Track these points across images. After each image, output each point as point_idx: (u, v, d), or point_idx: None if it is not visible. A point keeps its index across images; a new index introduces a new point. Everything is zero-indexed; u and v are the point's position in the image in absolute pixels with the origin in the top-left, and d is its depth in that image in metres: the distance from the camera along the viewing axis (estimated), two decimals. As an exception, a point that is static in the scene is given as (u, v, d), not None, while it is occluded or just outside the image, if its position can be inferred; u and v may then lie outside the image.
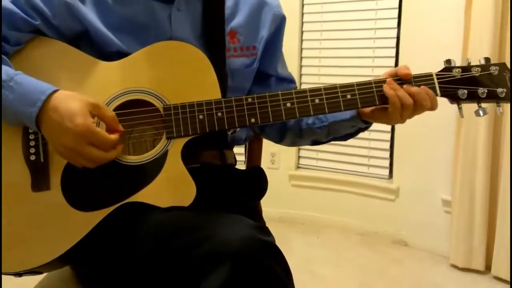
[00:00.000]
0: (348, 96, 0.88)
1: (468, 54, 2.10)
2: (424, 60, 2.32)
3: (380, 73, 3.01)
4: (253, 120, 0.87)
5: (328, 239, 2.63)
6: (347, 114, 0.97)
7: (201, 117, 0.85)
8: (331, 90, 0.88)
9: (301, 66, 2.82)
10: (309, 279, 2.14)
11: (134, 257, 0.78)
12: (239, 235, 0.68)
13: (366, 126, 0.99)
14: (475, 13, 2.07)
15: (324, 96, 0.88)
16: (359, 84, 0.89)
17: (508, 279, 2.05)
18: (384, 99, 0.89)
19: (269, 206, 1.27)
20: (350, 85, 0.88)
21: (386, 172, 2.64)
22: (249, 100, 0.87)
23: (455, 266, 2.24)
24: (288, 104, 0.87)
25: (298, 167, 2.91)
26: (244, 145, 1.19)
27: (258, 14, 1.03)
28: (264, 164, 1.16)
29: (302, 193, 2.86)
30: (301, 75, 2.82)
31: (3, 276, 0.83)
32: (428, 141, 2.36)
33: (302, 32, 2.78)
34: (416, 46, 2.38)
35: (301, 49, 2.80)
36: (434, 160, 2.39)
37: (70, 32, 0.91)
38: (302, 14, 2.77)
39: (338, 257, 2.40)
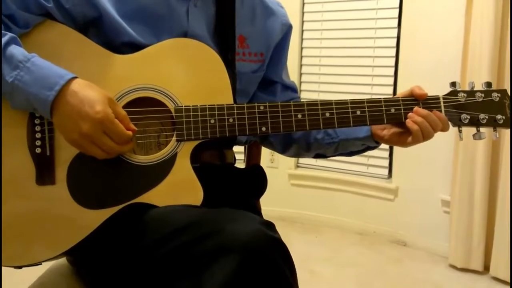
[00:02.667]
0: (358, 113, 0.89)
1: (468, 54, 2.10)
2: (424, 60, 2.34)
3: (380, 72, 2.98)
4: (263, 128, 0.86)
5: (327, 238, 2.63)
6: (361, 133, 0.98)
7: (212, 121, 0.85)
8: (342, 105, 0.89)
9: (301, 66, 2.81)
10: (308, 278, 2.13)
11: (137, 252, 0.77)
12: (247, 230, 0.68)
13: (375, 145, 1.01)
14: (475, 13, 2.07)
15: (334, 111, 0.88)
16: (369, 101, 0.90)
17: (507, 279, 2.05)
18: (392, 119, 0.91)
19: (268, 205, 1.27)
20: (361, 102, 0.90)
21: (385, 171, 2.64)
22: (261, 108, 0.86)
23: (453, 266, 2.24)
24: (299, 116, 0.87)
25: (298, 166, 2.91)
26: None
27: (267, 23, 1.04)
28: (264, 163, 1.16)
29: (301, 192, 2.85)
30: (301, 74, 2.82)
31: (3, 268, 0.83)
32: (427, 141, 2.35)
33: (302, 31, 2.78)
34: (417, 45, 2.38)
35: (301, 48, 2.80)
36: (433, 160, 2.39)
37: (81, 18, 0.88)
38: (303, 13, 2.77)
39: (336, 256, 2.40)
